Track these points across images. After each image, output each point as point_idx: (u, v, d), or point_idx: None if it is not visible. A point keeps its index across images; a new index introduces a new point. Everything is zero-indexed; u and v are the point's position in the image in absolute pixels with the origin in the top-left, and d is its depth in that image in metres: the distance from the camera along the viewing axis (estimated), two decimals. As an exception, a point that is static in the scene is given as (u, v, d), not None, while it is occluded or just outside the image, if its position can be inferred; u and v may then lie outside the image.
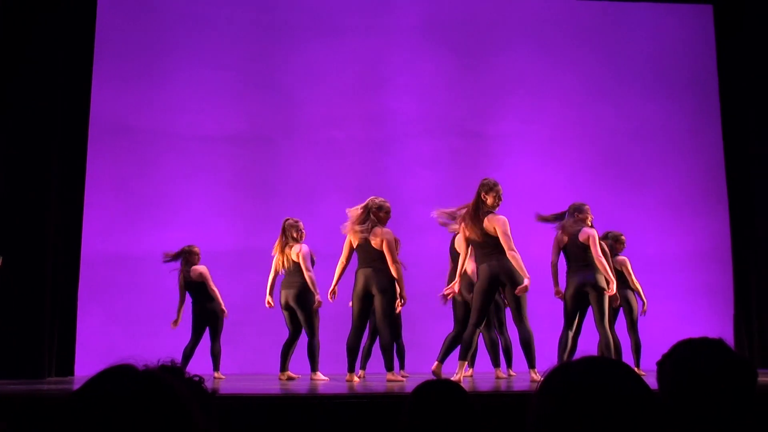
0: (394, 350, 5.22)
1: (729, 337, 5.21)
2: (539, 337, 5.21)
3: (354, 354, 5.26)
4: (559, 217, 5.32)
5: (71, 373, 6.14)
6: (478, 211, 4.89)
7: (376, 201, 5.28)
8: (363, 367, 5.68)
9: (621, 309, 5.68)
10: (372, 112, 7.15)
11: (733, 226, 7.14)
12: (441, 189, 6.87)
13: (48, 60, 6.13)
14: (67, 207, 6.33)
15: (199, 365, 5.82)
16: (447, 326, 5.63)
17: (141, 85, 6.90)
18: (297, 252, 5.53)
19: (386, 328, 5.09)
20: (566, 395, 0.93)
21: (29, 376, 5.55)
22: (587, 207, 5.33)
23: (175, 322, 5.87)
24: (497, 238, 4.81)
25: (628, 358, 5.53)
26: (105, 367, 0.87)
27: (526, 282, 4.73)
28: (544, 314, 6.14)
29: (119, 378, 0.84)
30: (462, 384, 4.66)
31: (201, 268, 5.86)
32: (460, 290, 5.20)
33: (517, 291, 4.75)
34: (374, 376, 5.58)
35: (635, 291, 5.67)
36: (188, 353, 5.77)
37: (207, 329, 5.85)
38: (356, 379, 5.20)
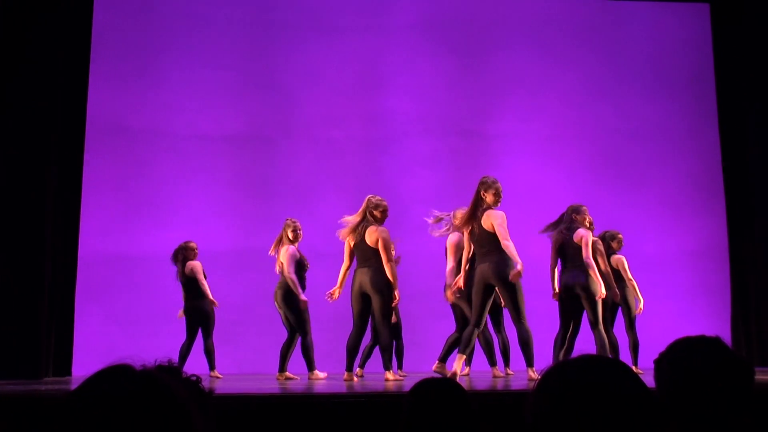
0: (393, 350, 5.23)
1: (726, 336, 5.21)
2: (538, 337, 5.21)
3: (353, 353, 5.27)
4: (555, 224, 5.34)
5: (69, 373, 6.13)
6: (476, 209, 4.90)
7: (373, 200, 5.29)
8: (362, 366, 5.69)
9: (619, 308, 5.69)
10: (371, 112, 7.15)
11: (730, 225, 7.16)
12: (440, 189, 6.87)
13: (47, 60, 6.12)
14: (64, 207, 6.33)
15: (198, 365, 5.82)
16: (446, 326, 5.63)
17: (139, 84, 6.89)
18: (283, 253, 5.55)
19: (385, 328, 5.10)
20: (563, 394, 0.93)
21: (26, 376, 5.54)
22: (585, 208, 5.34)
23: (182, 313, 5.88)
24: (496, 236, 4.80)
25: (625, 357, 5.54)
26: (102, 367, 0.87)
27: (518, 267, 4.70)
28: (543, 314, 6.15)
29: (116, 378, 0.84)
30: (459, 379, 4.70)
31: (193, 263, 5.87)
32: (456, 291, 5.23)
33: (510, 277, 4.73)
34: (373, 376, 5.58)
35: (634, 294, 5.68)
36: (184, 352, 5.78)
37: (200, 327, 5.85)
38: (355, 378, 5.20)
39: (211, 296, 5.81)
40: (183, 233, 6.38)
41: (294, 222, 5.71)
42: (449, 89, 7.23)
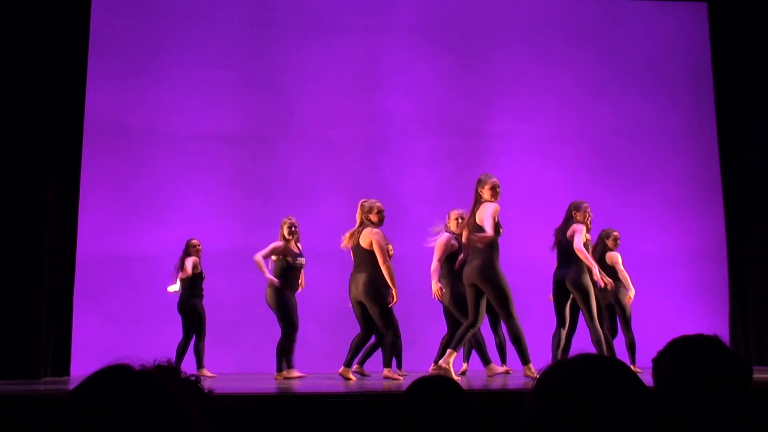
0: (392, 348, 5.23)
1: (724, 335, 5.23)
2: (538, 336, 5.21)
3: (355, 351, 5.33)
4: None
5: (67, 373, 6.13)
6: (475, 208, 4.91)
7: (366, 204, 5.29)
8: (361, 363, 5.68)
9: (615, 310, 5.69)
10: (370, 111, 7.15)
11: (728, 224, 7.17)
12: (439, 188, 6.87)
13: (46, 60, 6.11)
14: (63, 207, 6.32)
15: (213, 365, 5.84)
16: (445, 325, 5.64)
17: (137, 84, 6.88)
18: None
19: (387, 330, 5.12)
20: (562, 393, 0.94)
21: (25, 376, 5.54)
22: (585, 205, 5.35)
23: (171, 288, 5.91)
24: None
25: (622, 355, 5.55)
26: (101, 367, 0.87)
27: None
28: (542, 313, 6.15)
29: (115, 378, 0.84)
30: (451, 372, 4.71)
31: (189, 259, 5.87)
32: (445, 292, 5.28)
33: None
34: (373, 375, 5.58)
35: (625, 286, 5.65)
36: (180, 350, 5.78)
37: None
38: (351, 375, 5.22)
39: (187, 272, 5.75)
40: (182, 233, 6.37)
41: (289, 219, 5.69)
42: (448, 89, 7.23)
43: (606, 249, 5.70)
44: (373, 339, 5.58)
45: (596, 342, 5.02)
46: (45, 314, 5.92)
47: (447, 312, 5.58)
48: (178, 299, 5.91)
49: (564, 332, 5.19)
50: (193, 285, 5.87)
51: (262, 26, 7.15)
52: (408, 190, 6.95)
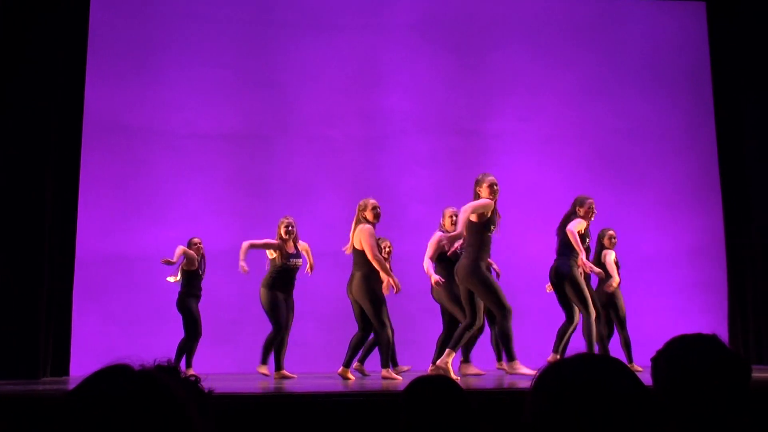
0: (389, 348, 5.24)
1: (723, 334, 5.23)
2: (536, 336, 5.21)
3: (354, 350, 5.35)
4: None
5: (66, 373, 6.12)
6: None
7: (360, 204, 5.32)
8: (361, 361, 5.69)
9: (609, 310, 5.70)
10: (369, 110, 7.15)
11: (727, 222, 7.17)
12: (438, 187, 6.87)
13: (45, 59, 6.10)
14: (62, 206, 6.31)
15: (203, 364, 5.83)
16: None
17: (136, 82, 6.87)
18: None
19: (380, 329, 5.12)
20: (561, 392, 0.94)
21: (24, 376, 5.53)
22: (589, 201, 5.34)
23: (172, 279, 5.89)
24: (474, 229, 4.80)
25: (618, 354, 5.56)
26: (100, 367, 0.87)
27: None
28: (540, 312, 6.15)
29: (115, 378, 0.84)
30: (450, 372, 4.71)
31: (179, 247, 5.88)
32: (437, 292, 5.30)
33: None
34: (372, 374, 5.58)
35: (610, 275, 5.65)
36: (181, 349, 5.79)
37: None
38: (350, 376, 5.22)
39: (174, 259, 5.74)
40: (181, 232, 6.37)
41: (287, 218, 5.69)
42: (448, 88, 7.23)
43: (603, 248, 5.73)
44: (372, 337, 5.59)
45: (587, 329, 5.02)
46: (44, 314, 5.91)
47: (444, 311, 5.58)
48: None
49: (570, 328, 5.20)
50: (189, 284, 5.87)
51: (261, 25, 7.15)
52: (407, 189, 6.95)
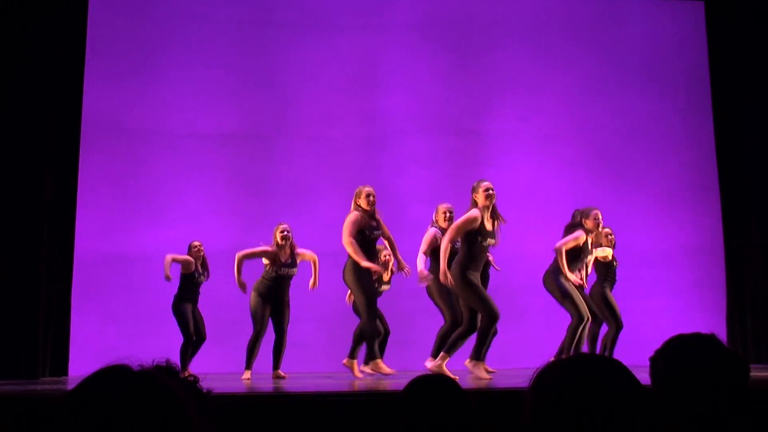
0: (366, 340, 5.21)
1: (722, 333, 5.25)
2: (534, 336, 5.21)
3: (356, 342, 5.38)
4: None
5: (65, 373, 6.12)
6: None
7: (356, 190, 5.33)
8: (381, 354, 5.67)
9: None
10: (369, 110, 7.15)
11: (726, 221, 7.18)
12: (437, 187, 6.87)
13: (44, 59, 6.09)
14: (61, 206, 6.31)
15: (202, 364, 5.84)
16: (441, 323, 5.64)
17: (135, 83, 6.86)
18: None
19: (364, 318, 5.14)
20: (560, 392, 0.94)
21: (23, 376, 5.53)
22: (594, 212, 5.34)
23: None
24: (467, 237, 4.83)
25: (615, 354, 5.57)
26: (99, 367, 0.87)
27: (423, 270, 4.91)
28: (539, 312, 6.16)
29: (114, 378, 0.84)
30: (446, 372, 4.72)
31: (169, 256, 5.89)
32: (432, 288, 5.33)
33: (418, 281, 4.93)
34: (396, 374, 5.55)
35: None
36: (185, 350, 5.81)
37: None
38: (355, 365, 5.23)
39: (165, 271, 5.73)
40: (180, 232, 6.37)
41: (282, 224, 5.68)
42: (447, 88, 7.23)
43: (600, 246, 5.76)
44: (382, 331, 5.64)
45: (570, 333, 5.07)
46: (43, 314, 5.91)
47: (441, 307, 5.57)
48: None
49: (588, 326, 5.25)
50: (184, 287, 5.89)
51: (260, 25, 7.15)
52: (407, 189, 6.95)
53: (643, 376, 1.12)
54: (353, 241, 5.13)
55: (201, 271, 5.98)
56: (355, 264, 5.12)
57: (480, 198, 4.85)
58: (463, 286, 4.79)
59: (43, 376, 5.83)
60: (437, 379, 1.91)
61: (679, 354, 1.33)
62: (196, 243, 5.99)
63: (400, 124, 7.16)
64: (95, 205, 6.58)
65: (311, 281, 5.73)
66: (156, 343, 5.90)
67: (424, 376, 1.94)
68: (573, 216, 5.47)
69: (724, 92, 7.28)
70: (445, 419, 1.78)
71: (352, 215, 5.20)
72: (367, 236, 5.23)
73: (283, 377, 5.46)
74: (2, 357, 5.57)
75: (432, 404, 1.79)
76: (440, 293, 5.30)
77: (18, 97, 5.99)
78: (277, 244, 5.60)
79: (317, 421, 3.47)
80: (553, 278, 5.24)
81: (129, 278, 6.52)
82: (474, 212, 4.81)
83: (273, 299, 5.59)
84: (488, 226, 4.87)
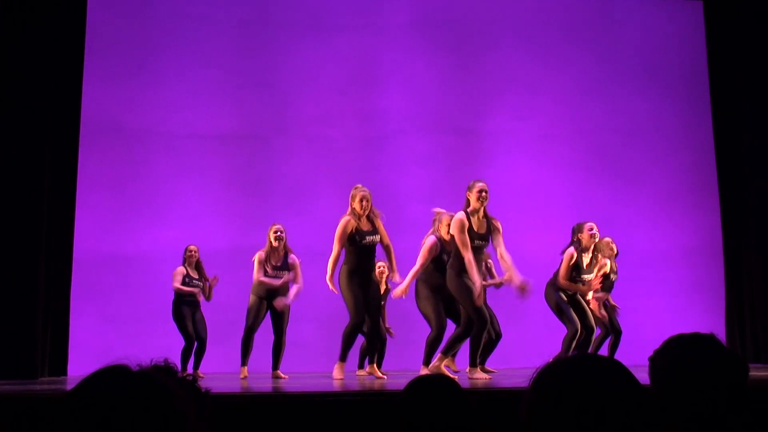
0: (351, 343, 5.20)
1: (721, 333, 5.25)
2: (533, 336, 5.21)
3: (367, 351, 5.48)
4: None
5: (64, 373, 6.12)
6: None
7: (351, 192, 5.29)
8: (378, 365, 5.66)
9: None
10: (366, 110, 7.15)
11: (724, 221, 7.18)
12: (435, 186, 6.88)
13: (42, 59, 6.09)
14: (59, 207, 6.30)
15: (202, 364, 5.84)
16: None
17: (134, 83, 6.86)
18: None
19: (351, 321, 5.14)
20: (560, 392, 0.94)
21: (22, 376, 5.53)
22: (587, 226, 5.36)
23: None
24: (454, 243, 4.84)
25: (614, 354, 5.58)
26: (98, 367, 0.87)
27: (475, 286, 4.76)
28: (537, 313, 6.16)
29: (113, 378, 0.84)
30: (445, 372, 4.73)
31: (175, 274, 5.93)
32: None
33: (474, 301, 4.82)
34: (395, 374, 5.55)
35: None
36: (185, 354, 5.82)
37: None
38: (363, 374, 5.25)
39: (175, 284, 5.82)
40: (179, 232, 6.37)
41: (273, 225, 5.68)
42: (446, 87, 7.23)
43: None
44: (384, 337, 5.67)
45: (565, 344, 5.15)
46: (42, 314, 5.91)
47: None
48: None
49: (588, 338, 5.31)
50: (181, 291, 5.89)
51: (259, 25, 7.15)
52: (405, 188, 6.96)
53: (643, 376, 1.12)
54: (337, 247, 5.11)
55: (192, 276, 5.97)
56: (342, 267, 5.13)
57: (472, 198, 4.86)
58: (459, 289, 4.79)
59: (42, 376, 5.83)
60: (437, 379, 1.92)
61: (678, 354, 1.33)
62: (192, 247, 5.99)
63: (399, 123, 7.16)
64: (94, 206, 6.58)
65: (292, 292, 5.63)
66: (155, 343, 5.90)
67: (424, 376, 1.94)
68: (572, 232, 5.49)
69: (723, 92, 7.28)
70: (445, 419, 1.78)
71: (343, 221, 5.16)
72: (357, 242, 5.15)
73: (283, 377, 5.46)
74: (1, 357, 5.56)
75: (432, 404, 1.79)
76: (426, 301, 5.28)
77: (17, 98, 5.98)
78: (271, 245, 5.60)
79: (316, 421, 3.47)
80: (550, 291, 5.36)
81: (128, 278, 6.52)
82: (459, 218, 4.82)
83: (270, 298, 5.59)
84: (477, 227, 4.86)
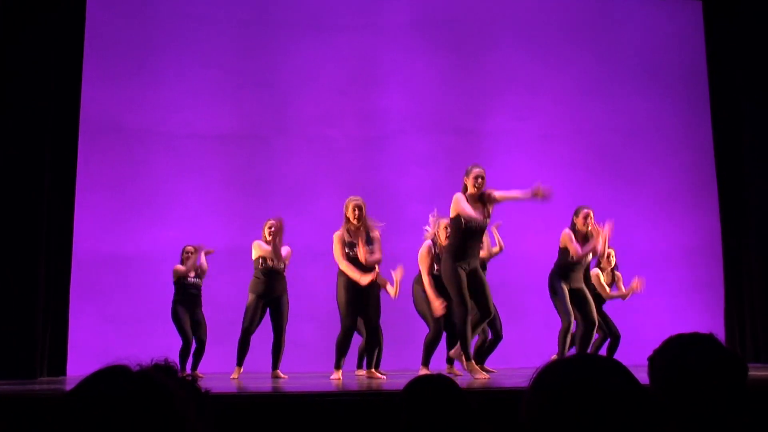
0: (345, 349, 5.21)
1: (720, 332, 5.25)
2: (532, 335, 5.21)
3: (363, 353, 5.46)
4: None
5: (63, 373, 6.12)
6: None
7: (346, 201, 5.29)
8: (376, 367, 5.64)
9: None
10: (366, 110, 7.15)
11: (724, 221, 7.18)
12: (435, 186, 6.88)
13: (41, 59, 6.09)
14: (59, 207, 6.30)
15: (202, 364, 5.84)
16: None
17: (133, 83, 6.86)
18: None
19: (343, 328, 5.15)
20: (559, 392, 0.94)
21: (21, 376, 5.52)
22: (583, 211, 5.38)
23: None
24: (452, 222, 4.85)
25: (615, 354, 5.57)
26: (97, 367, 0.87)
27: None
28: (537, 311, 6.16)
29: (113, 378, 0.84)
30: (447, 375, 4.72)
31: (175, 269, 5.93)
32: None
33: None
34: (394, 374, 5.55)
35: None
36: (182, 354, 5.81)
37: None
38: (362, 374, 5.23)
39: (185, 269, 5.84)
40: (178, 232, 6.37)
41: (268, 221, 5.70)
42: (446, 87, 7.23)
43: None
44: (383, 338, 5.66)
45: (561, 338, 5.16)
46: (42, 314, 5.91)
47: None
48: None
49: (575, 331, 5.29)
50: (178, 292, 5.89)
51: (259, 25, 7.15)
52: (405, 188, 6.96)
53: (642, 376, 1.12)
54: (341, 259, 5.15)
55: (190, 275, 5.96)
56: (339, 275, 5.15)
57: (469, 183, 4.88)
58: (449, 275, 4.81)
59: (42, 376, 5.82)
60: (437, 379, 1.91)
61: (677, 354, 1.33)
62: (189, 248, 5.99)
63: (399, 123, 7.16)
64: (94, 206, 6.58)
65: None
66: (155, 343, 5.89)
67: (424, 376, 1.94)
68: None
69: (722, 92, 7.28)
70: (445, 419, 1.78)
71: (337, 237, 5.17)
72: (347, 254, 5.18)
73: (282, 377, 5.46)
74: (1, 357, 5.56)
75: (432, 404, 1.79)
76: (423, 302, 5.28)
77: (16, 98, 5.98)
78: (266, 240, 5.61)
79: (316, 421, 3.47)
80: (551, 278, 5.34)
81: (127, 278, 6.52)
82: (458, 195, 4.85)
83: (268, 296, 5.58)
84: (472, 210, 4.87)
